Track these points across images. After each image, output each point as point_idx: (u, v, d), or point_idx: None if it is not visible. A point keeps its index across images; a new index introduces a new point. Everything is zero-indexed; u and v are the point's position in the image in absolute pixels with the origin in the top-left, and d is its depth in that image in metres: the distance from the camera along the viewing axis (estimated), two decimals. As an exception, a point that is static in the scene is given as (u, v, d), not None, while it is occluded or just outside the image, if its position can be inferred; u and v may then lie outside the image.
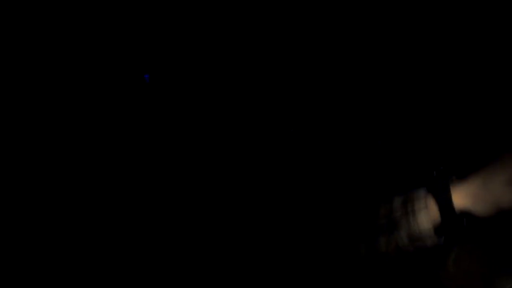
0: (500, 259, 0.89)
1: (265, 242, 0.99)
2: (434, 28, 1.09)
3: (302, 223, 0.95)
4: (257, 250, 0.99)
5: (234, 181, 1.10)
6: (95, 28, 1.18)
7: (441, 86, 1.05)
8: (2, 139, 1.17)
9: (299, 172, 1.05)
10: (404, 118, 1.04)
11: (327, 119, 1.10)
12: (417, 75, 1.06)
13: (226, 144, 1.15)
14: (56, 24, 1.18)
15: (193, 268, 1.12)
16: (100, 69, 1.19)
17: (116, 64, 1.20)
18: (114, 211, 1.17)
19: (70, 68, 1.18)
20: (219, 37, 1.19)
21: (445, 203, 0.82)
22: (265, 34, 1.17)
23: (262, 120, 1.14)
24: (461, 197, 0.82)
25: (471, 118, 1.02)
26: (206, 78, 1.19)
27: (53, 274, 1.16)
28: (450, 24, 1.08)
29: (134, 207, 1.17)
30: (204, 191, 1.14)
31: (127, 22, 1.19)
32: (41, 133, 1.18)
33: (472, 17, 1.07)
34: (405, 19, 1.09)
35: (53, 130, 1.18)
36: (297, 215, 0.98)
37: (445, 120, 1.03)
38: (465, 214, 0.83)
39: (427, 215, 0.83)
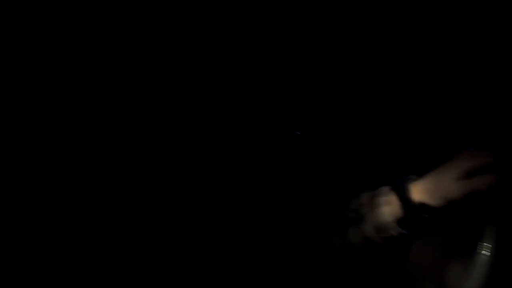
0: (457, 247, 1.01)
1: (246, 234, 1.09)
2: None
3: (285, 217, 1.07)
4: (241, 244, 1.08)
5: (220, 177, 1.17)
6: (95, 28, 1.19)
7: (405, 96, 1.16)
8: (2, 139, 1.17)
9: (283, 170, 1.15)
10: (376, 125, 1.16)
11: (317, 122, 1.20)
12: (378, 82, 1.17)
13: (221, 144, 1.20)
14: (56, 24, 1.18)
15: (193, 268, 1.18)
16: (100, 69, 1.21)
17: (116, 64, 1.21)
18: (114, 211, 1.20)
19: (70, 68, 1.19)
20: (219, 37, 1.22)
21: (404, 198, 0.94)
22: (262, 36, 1.21)
23: (254, 121, 1.19)
24: (419, 192, 0.94)
25: (431, 125, 1.14)
26: (207, 78, 1.23)
27: (53, 274, 1.18)
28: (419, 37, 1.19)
29: (134, 207, 1.20)
30: (202, 191, 1.19)
31: (127, 22, 1.20)
32: (41, 133, 1.19)
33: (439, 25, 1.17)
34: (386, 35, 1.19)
35: (53, 130, 1.19)
36: (280, 210, 1.09)
37: (409, 128, 1.15)
38: (423, 207, 0.95)
39: (389, 208, 0.95)
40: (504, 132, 1.01)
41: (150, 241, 1.20)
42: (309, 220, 1.03)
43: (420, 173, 0.98)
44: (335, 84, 1.18)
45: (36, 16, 1.17)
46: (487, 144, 0.97)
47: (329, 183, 1.08)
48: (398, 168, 1.04)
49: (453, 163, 0.94)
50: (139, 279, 1.19)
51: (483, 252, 0.93)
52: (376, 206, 0.96)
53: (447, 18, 1.15)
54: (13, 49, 1.17)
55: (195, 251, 1.18)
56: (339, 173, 1.10)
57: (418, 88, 1.16)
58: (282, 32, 1.20)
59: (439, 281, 0.99)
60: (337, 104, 1.18)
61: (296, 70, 1.20)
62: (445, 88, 1.14)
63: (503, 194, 0.93)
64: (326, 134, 1.14)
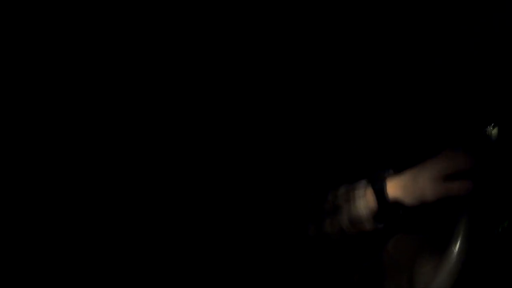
0: (429, 244, 1.03)
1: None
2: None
3: (265, 207, 1.10)
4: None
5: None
6: (95, 28, 1.19)
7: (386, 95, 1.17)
8: (2, 139, 1.17)
9: (268, 163, 1.18)
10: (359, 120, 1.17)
11: (303, 115, 1.22)
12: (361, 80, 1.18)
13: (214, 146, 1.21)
14: (56, 24, 1.18)
15: (192, 268, 1.18)
16: (100, 69, 1.21)
17: (116, 64, 1.21)
18: (113, 211, 1.20)
19: (70, 68, 1.20)
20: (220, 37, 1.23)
21: (379, 192, 0.95)
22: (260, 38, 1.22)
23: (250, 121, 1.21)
24: (394, 188, 0.94)
25: (412, 123, 1.16)
26: (208, 79, 1.23)
27: (53, 274, 1.17)
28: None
29: (134, 207, 1.21)
30: (200, 191, 1.19)
31: (127, 22, 1.20)
32: (41, 133, 1.19)
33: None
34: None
35: (53, 130, 1.19)
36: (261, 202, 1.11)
37: (390, 125, 1.17)
38: (398, 204, 0.96)
39: (364, 202, 0.96)
40: (484, 136, 1.01)
41: (150, 241, 1.21)
42: (286, 208, 1.05)
43: (398, 169, 0.99)
44: (320, 82, 1.19)
45: (36, 16, 1.17)
46: (467, 147, 0.97)
47: (308, 173, 1.10)
48: (378, 162, 1.06)
49: (432, 163, 0.93)
50: (139, 279, 1.20)
51: (454, 248, 0.94)
52: (352, 199, 0.98)
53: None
54: (13, 49, 1.17)
55: (202, 251, 1.19)
56: (319, 165, 1.12)
57: (403, 87, 1.17)
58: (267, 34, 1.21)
59: (410, 275, 1.01)
60: (322, 100, 1.19)
61: (282, 69, 1.21)
62: (430, 89, 1.15)
63: (478, 196, 0.94)
64: (310, 127, 1.16)
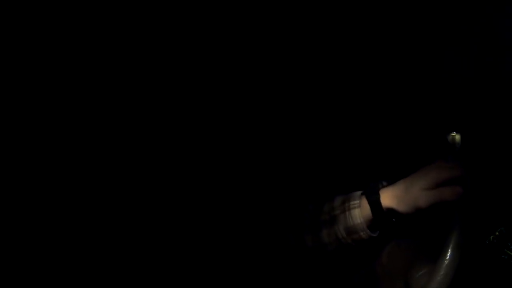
0: (422, 249, 1.06)
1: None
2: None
3: (264, 217, 1.12)
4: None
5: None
6: (95, 28, 1.19)
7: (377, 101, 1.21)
8: (2, 139, 1.17)
9: (268, 171, 1.21)
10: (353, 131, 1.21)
11: (300, 124, 1.24)
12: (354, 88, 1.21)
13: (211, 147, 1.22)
14: (56, 24, 1.17)
15: (192, 268, 1.19)
16: (100, 69, 1.21)
17: (116, 64, 1.21)
18: (113, 211, 1.20)
19: (70, 68, 1.19)
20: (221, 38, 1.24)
21: (374, 203, 0.99)
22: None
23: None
24: (388, 198, 0.98)
25: (404, 134, 1.19)
26: (208, 82, 1.24)
27: (53, 274, 1.17)
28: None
29: (132, 207, 1.21)
30: (198, 200, 1.20)
31: (127, 22, 1.20)
32: (41, 133, 1.19)
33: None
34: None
35: (53, 130, 1.19)
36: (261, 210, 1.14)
37: (382, 136, 1.20)
38: (392, 213, 1.00)
39: (360, 212, 1.00)
40: (474, 145, 1.04)
41: (150, 241, 1.22)
42: (284, 219, 1.08)
43: (391, 180, 1.03)
44: (316, 89, 1.22)
45: (36, 16, 1.18)
46: (457, 155, 1.00)
47: (304, 185, 1.14)
48: (371, 174, 1.09)
49: (423, 172, 0.97)
50: (139, 279, 1.20)
51: (446, 255, 0.97)
52: (348, 210, 1.01)
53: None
54: (13, 49, 1.17)
55: (201, 251, 1.20)
56: (316, 176, 1.16)
57: (396, 97, 1.20)
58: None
59: (404, 283, 1.04)
60: (319, 107, 1.22)
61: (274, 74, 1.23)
62: (423, 99, 1.18)
63: (468, 202, 0.97)
64: (306, 140, 1.19)
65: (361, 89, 1.22)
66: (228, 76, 1.24)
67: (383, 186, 1.02)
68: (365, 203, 1.00)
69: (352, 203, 1.01)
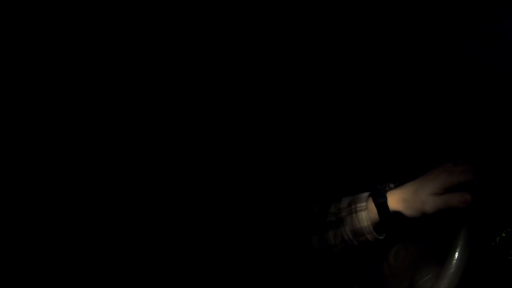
0: (429, 251, 1.06)
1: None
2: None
3: (269, 217, 1.13)
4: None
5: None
6: (95, 28, 1.18)
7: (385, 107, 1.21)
8: (2, 139, 1.16)
9: (273, 173, 1.21)
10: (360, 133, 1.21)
11: (305, 124, 1.24)
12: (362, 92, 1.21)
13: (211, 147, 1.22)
14: (56, 24, 1.16)
15: (192, 268, 1.19)
16: (100, 69, 1.20)
17: (116, 64, 1.21)
18: (113, 211, 1.20)
19: (70, 68, 1.19)
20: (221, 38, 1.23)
21: (381, 205, 0.98)
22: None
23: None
24: (395, 202, 0.98)
25: (412, 137, 1.19)
26: (208, 83, 1.24)
27: (52, 274, 1.17)
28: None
29: (132, 208, 1.21)
30: (203, 202, 1.20)
31: (127, 22, 1.19)
32: (41, 133, 1.18)
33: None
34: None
35: (53, 130, 1.19)
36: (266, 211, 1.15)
37: (390, 138, 1.20)
38: (399, 216, 1.00)
39: (367, 214, 0.99)
40: (483, 149, 1.04)
41: (150, 241, 1.22)
42: (290, 221, 1.09)
43: (398, 182, 1.03)
44: (320, 95, 1.22)
45: (36, 16, 1.16)
46: (466, 160, 1.00)
47: (310, 185, 1.14)
48: (377, 174, 1.09)
49: (432, 176, 0.96)
50: (139, 279, 1.21)
51: (454, 257, 0.97)
52: (355, 212, 1.01)
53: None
54: (13, 49, 1.16)
55: (201, 252, 1.20)
56: (322, 178, 1.16)
57: (405, 99, 1.20)
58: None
59: (410, 285, 1.05)
60: (324, 108, 1.22)
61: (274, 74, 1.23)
62: (431, 102, 1.18)
63: (476, 207, 0.97)
64: (312, 138, 1.19)
65: (369, 90, 1.22)
66: (237, 76, 1.24)
67: (390, 189, 1.02)
68: (372, 206, 1.00)
69: (359, 205, 1.01)
